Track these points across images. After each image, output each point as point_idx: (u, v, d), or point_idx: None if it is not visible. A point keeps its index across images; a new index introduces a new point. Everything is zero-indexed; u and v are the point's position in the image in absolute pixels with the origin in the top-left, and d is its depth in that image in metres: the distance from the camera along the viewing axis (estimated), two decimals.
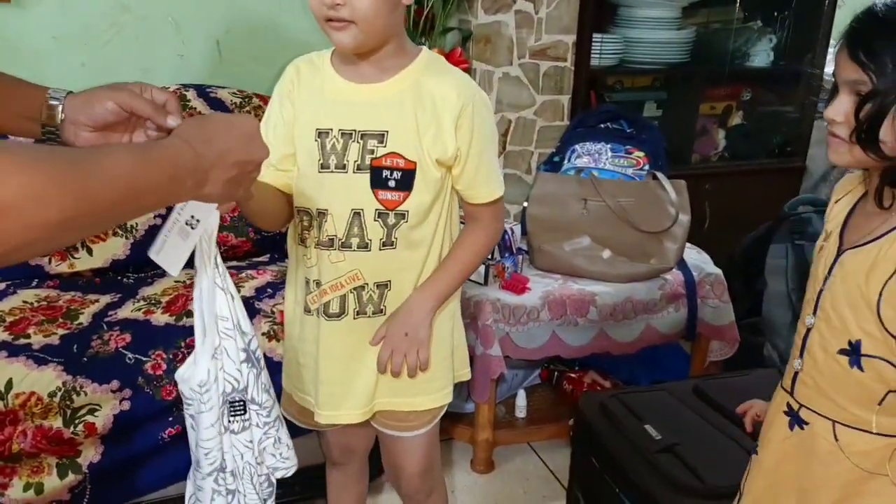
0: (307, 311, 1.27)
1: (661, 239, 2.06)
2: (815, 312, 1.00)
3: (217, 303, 1.00)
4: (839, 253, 0.98)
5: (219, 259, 1.00)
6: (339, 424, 1.32)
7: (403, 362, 1.24)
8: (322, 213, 1.21)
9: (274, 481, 1.13)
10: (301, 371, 1.33)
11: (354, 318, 1.24)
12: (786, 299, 2.26)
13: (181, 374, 1.02)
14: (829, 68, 2.92)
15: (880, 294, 0.90)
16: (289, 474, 1.14)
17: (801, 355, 1.01)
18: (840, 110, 0.91)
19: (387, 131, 1.16)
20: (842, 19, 2.83)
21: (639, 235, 2.05)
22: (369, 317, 1.25)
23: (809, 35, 2.78)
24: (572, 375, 2.31)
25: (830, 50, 2.89)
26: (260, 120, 1.17)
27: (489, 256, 1.99)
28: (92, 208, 0.62)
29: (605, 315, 2.01)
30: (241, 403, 1.04)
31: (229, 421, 1.03)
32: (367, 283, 1.23)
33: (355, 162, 1.17)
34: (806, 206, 2.34)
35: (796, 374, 1.02)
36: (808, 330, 1.01)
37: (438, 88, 1.17)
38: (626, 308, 2.03)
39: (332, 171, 1.19)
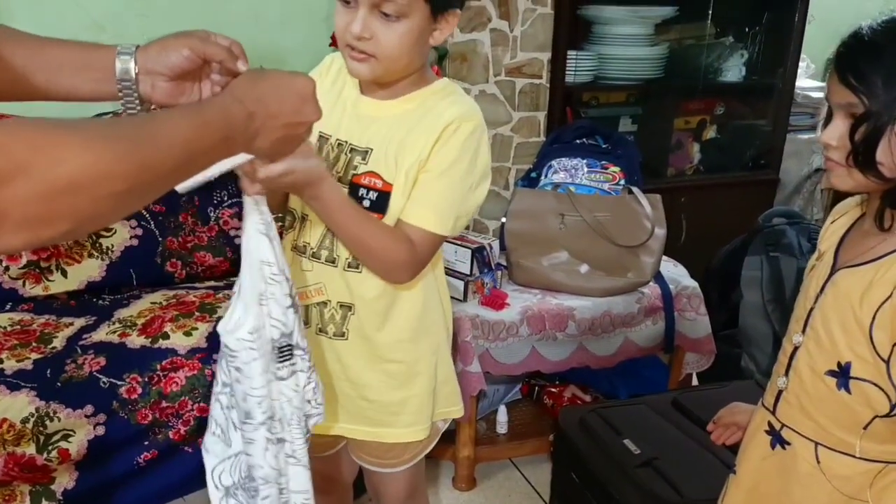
0: None
1: (637, 253, 2.08)
2: (804, 331, 0.98)
3: (261, 248, 0.98)
4: (833, 271, 0.96)
5: (264, 206, 0.99)
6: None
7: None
8: (304, 218, 1.19)
9: (309, 429, 1.11)
10: None
11: (316, 334, 1.22)
12: (761, 311, 2.28)
13: (224, 326, 1.00)
14: (800, 82, 2.98)
15: (874, 317, 0.89)
16: (321, 422, 1.12)
17: (787, 373, 1.00)
18: (835, 134, 0.91)
19: (371, 149, 1.14)
20: (812, 35, 2.89)
21: (616, 250, 2.07)
22: (329, 337, 1.21)
23: (780, 50, 2.83)
24: (552, 390, 2.31)
25: (801, 64, 2.95)
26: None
27: (467, 272, 2.00)
28: (154, 177, 0.66)
29: (583, 329, 2.02)
30: (289, 348, 1.02)
31: (277, 368, 1.02)
32: (330, 300, 1.20)
33: (338, 174, 1.15)
34: (780, 219, 2.37)
35: (780, 392, 1.01)
36: (796, 348, 0.99)
37: (439, 109, 1.12)
38: (605, 322, 2.04)
39: None
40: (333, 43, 2.25)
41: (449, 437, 2.10)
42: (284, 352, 1.02)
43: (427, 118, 1.12)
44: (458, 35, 2.31)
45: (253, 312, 0.98)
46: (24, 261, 1.89)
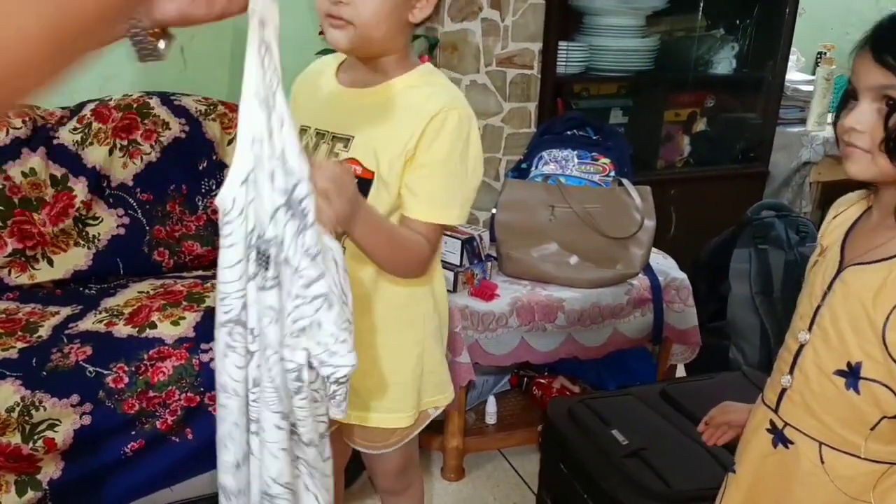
0: None
1: (627, 244, 2.08)
2: (810, 329, 0.95)
3: (252, 118, 0.80)
4: (840, 268, 0.93)
5: (272, 64, 0.80)
6: None
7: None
8: None
9: (305, 377, 0.88)
10: None
11: None
12: (749, 303, 2.29)
13: (218, 196, 0.87)
14: (790, 76, 2.98)
15: (887, 318, 0.86)
16: (339, 375, 0.88)
17: (791, 372, 0.97)
18: (862, 119, 0.86)
19: (352, 136, 1.15)
20: (802, 28, 2.90)
21: (605, 241, 2.07)
22: None
23: (771, 43, 2.83)
24: (542, 381, 2.32)
25: (792, 57, 2.95)
26: None
27: (457, 263, 1.99)
28: (77, 14, 0.47)
29: (572, 320, 2.02)
30: (266, 258, 0.84)
31: (255, 271, 0.84)
32: None
33: None
34: (768, 211, 2.38)
35: (783, 390, 0.98)
36: (801, 346, 0.96)
37: (422, 98, 1.13)
38: (594, 313, 2.04)
39: None
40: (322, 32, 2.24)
41: (438, 427, 2.10)
42: (262, 258, 0.84)
43: (408, 109, 1.13)
44: (449, 24, 2.30)
45: (229, 189, 0.84)
46: (9, 249, 1.87)
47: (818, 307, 0.94)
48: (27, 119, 1.91)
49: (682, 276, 2.16)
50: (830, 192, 3.02)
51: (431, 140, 1.11)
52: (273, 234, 0.83)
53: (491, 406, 2.22)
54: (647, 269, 2.13)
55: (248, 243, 0.84)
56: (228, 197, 0.84)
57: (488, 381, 2.31)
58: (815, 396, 0.94)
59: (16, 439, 1.51)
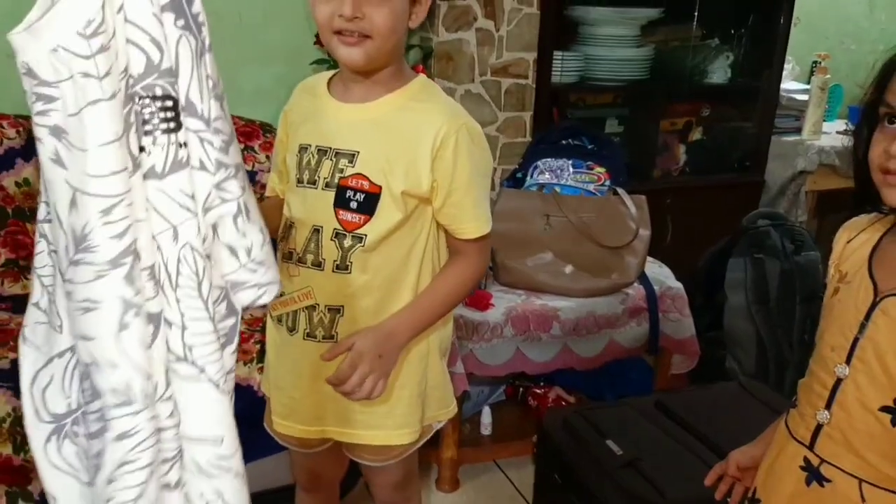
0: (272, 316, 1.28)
1: (622, 254, 2.08)
2: (847, 361, 0.89)
3: None
4: (877, 297, 0.88)
5: None
6: (291, 436, 1.31)
7: (362, 386, 1.13)
8: (291, 226, 1.22)
9: (238, 308, 0.61)
10: (268, 372, 1.34)
11: (304, 339, 1.22)
12: (746, 312, 2.29)
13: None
14: (785, 85, 2.99)
15: None
16: (261, 301, 0.62)
17: (829, 407, 0.91)
18: None
19: (357, 152, 1.16)
20: (797, 37, 2.91)
21: (600, 250, 2.07)
22: (318, 341, 1.21)
23: (766, 52, 2.84)
24: (537, 391, 2.31)
25: (786, 66, 2.96)
26: None
27: None
28: None
29: (567, 330, 2.01)
30: (170, 108, 0.51)
31: (138, 148, 0.51)
32: (318, 304, 1.20)
33: (325, 179, 1.17)
34: (764, 220, 2.38)
35: (819, 426, 0.93)
36: (839, 380, 0.91)
37: (422, 116, 1.14)
38: (589, 323, 2.04)
39: (305, 186, 1.19)
40: (318, 42, 2.24)
41: (433, 438, 2.07)
42: (162, 106, 0.51)
43: (414, 123, 1.14)
44: (444, 34, 2.31)
45: None
46: (2, 259, 1.86)
47: (856, 339, 0.89)
48: (21, 129, 1.91)
49: (678, 285, 2.16)
50: (826, 202, 3.02)
51: (451, 164, 1.13)
52: (169, 64, 0.49)
53: (486, 417, 2.21)
54: (643, 279, 2.13)
55: (122, 89, 0.50)
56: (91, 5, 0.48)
57: (483, 391, 2.30)
58: (857, 433, 0.89)
59: (7, 450, 1.50)
